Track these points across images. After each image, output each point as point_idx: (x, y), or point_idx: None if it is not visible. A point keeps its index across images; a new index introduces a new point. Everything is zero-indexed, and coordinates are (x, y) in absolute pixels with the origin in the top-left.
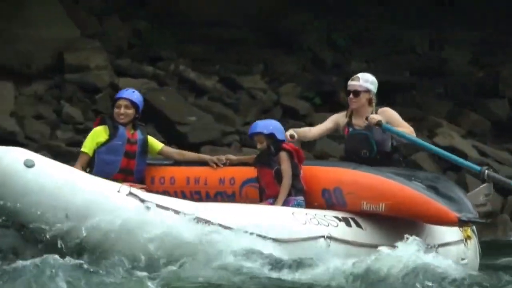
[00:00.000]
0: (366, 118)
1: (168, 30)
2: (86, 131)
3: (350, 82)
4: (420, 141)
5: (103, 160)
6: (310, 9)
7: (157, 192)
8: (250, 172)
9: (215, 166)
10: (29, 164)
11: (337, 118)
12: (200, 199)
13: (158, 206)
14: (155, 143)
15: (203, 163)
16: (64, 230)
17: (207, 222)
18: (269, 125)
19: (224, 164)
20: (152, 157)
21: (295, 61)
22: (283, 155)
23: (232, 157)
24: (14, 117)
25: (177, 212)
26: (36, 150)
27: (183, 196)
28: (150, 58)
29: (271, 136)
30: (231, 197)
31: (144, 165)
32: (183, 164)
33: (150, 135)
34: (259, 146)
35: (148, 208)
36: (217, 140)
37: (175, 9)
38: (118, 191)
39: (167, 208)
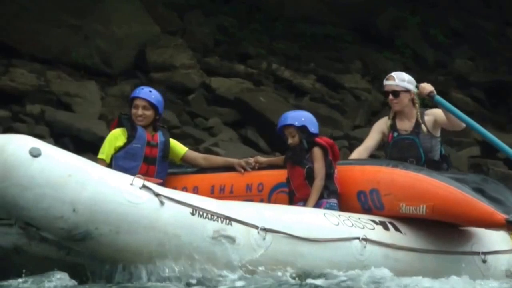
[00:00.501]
0: (417, 86)
1: (257, 26)
2: (182, 136)
3: (386, 82)
4: (474, 123)
5: (120, 167)
6: (407, 3)
7: None
8: (281, 175)
9: (242, 171)
10: (35, 153)
11: (380, 126)
12: None
13: (173, 201)
14: (178, 147)
15: (230, 168)
16: (71, 225)
17: (226, 219)
18: (300, 117)
19: (253, 168)
20: (176, 164)
21: (395, 59)
22: (317, 152)
23: (262, 159)
24: (104, 120)
25: (194, 208)
26: None
27: None
28: (239, 56)
29: (303, 129)
30: None
31: (166, 172)
32: (208, 171)
33: (251, 139)
34: (290, 140)
35: (162, 203)
36: None
37: (265, 4)
38: (131, 184)
39: (183, 203)
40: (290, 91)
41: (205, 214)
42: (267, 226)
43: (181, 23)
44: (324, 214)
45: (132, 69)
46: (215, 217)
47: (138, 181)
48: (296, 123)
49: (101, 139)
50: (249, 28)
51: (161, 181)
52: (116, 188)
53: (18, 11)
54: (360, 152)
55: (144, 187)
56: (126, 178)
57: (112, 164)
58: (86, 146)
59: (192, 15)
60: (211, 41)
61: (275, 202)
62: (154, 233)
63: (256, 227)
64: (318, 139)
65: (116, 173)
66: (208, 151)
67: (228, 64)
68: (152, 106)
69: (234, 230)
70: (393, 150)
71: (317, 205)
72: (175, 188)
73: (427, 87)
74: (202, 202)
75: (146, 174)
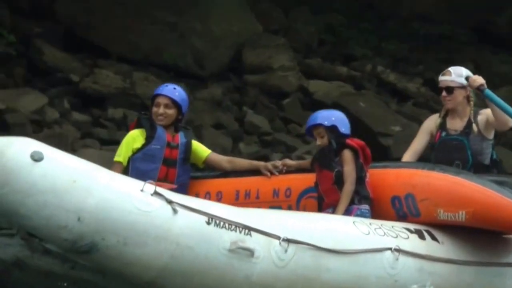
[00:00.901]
0: (467, 78)
1: (367, 25)
2: (273, 143)
3: (441, 78)
4: None
5: (138, 169)
6: None
7: None
8: (310, 179)
9: (269, 174)
10: (36, 158)
11: (429, 125)
12: None
13: (187, 208)
14: (201, 149)
15: (256, 171)
16: (76, 236)
17: (245, 228)
18: (330, 116)
19: (280, 172)
20: (199, 168)
21: (510, 62)
22: (347, 154)
23: (290, 162)
24: (190, 125)
25: (210, 216)
26: None
27: None
28: (344, 57)
29: (333, 129)
30: None
31: (187, 176)
32: (232, 175)
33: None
34: (318, 141)
35: (175, 211)
36: None
37: (378, 2)
38: (142, 190)
39: (198, 211)
40: (393, 95)
41: (222, 223)
42: (289, 236)
43: (285, 21)
44: (353, 222)
45: (225, 71)
46: (233, 227)
47: (149, 187)
48: (326, 123)
49: None
50: (357, 27)
51: (175, 186)
52: (125, 195)
53: (108, 8)
54: (407, 158)
55: (155, 193)
56: (136, 183)
57: (129, 166)
58: None
59: (298, 12)
60: (315, 40)
61: (304, 208)
62: (165, 244)
63: (277, 237)
64: (348, 141)
65: (125, 178)
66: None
67: (330, 66)
68: (175, 104)
69: (254, 241)
70: (439, 151)
71: (347, 211)
72: (197, 193)
73: (478, 79)
74: (219, 210)
75: (165, 177)
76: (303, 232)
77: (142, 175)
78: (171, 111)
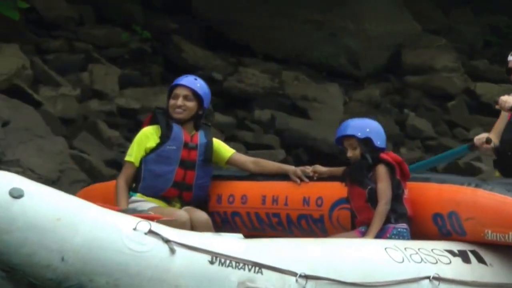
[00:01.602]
0: (496, 102)
1: None
2: (438, 148)
3: (510, 58)
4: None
5: (152, 172)
6: None
7: (225, 214)
8: (343, 189)
9: (298, 181)
10: (16, 195)
11: None
12: (279, 223)
13: (187, 247)
14: (223, 149)
15: (285, 176)
16: (61, 276)
17: (256, 266)
18: (365, 126)
19: (311, 178)
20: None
21: None
22: (381, 170)
23: (321, 168)
24: None
25: (214, 255)
26: None
27: (258, 219)
28: None
29: (367, 142)
30: (318, 222)
31: (208, 178)
32: (259, 178)
33: None
34: (349, 153)
35: (173, 250)
36: None
37: None
38: (135, 229)
39: (200, 250)
40: None
41: (228, 262)
42: (308, 272)
43: (446, 21)
44: (385, 248)
45: (383, 72)
46: (241, 264)
47: (144, 225)
48: (359, 134)
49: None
50: None
51: (173, 218)
52: (115, 234)
53: (254, 5)
54: (493, 138)
55: (150, 232)
56: (129, 221)
57: (141, 168)
58: (322, 158)
59: (459, 13)
60: (480, 42)
61: (337, 219)
62: (162, 287)
63: (293, 274)
64: (383, 155)
65: (116, 216)
66: (468, 166)
67: (498, 68)
68: (196, 96)
69: (265, 279)
70: (505, 132)
71: (382, 231)
72: (220, 195)
73: (509, 100)
74: (225, 246)
75: (183, 180)
76: (325, 265)
77: (156, 178)
78: (191, 104)
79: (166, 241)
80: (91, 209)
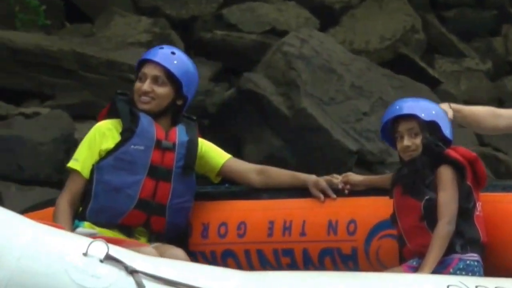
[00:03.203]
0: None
1: None
2: None
3: None
4: None
5: (107, 184)
6: None
7: (213, 255)
8: (387, 207)
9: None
10: None
11: None
12: (292, 265)
13: (161, 280)
14: (214, 154)
15: (302, 190)
16: None
17: None
18: (430, 107)
19: (341, 191)
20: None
21: None
22: (446, 173)
23: (355, 177)
24: None
25: None
26: None
27: (261, 259)
28: None
29: (433, 128)
30: (349, 260)
31: (190, 196)
32: (264, 195)
33: None
34: (407, 142)
35: (140, 285)
36: None
37: None
38: (85, 254)
39: (178, 285)
40: None
41: None
42: None
43: None
44: (448, 286)
45: None
46: None
47: (98, 247)
48: (423, 116)
49: None
50: None
51: (147, 245)
52: (57, 262)
53: None
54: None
55: (109, 258)
56: (77, 242)
57: (93, 179)
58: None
59: None
60: None
61: (377, 253)
62: None
63: None
64: (450, 151)
65: (59, 235)
66: None
67: None
68: (171, 78)
69: None
70: None
71: (442, 265)
72: (206, 224)
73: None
74: (214, 279)
75: (152, 198)
76: None
77: (112, 195)
78: (163, 90)
79: (132, 271)
80: (23, 227)
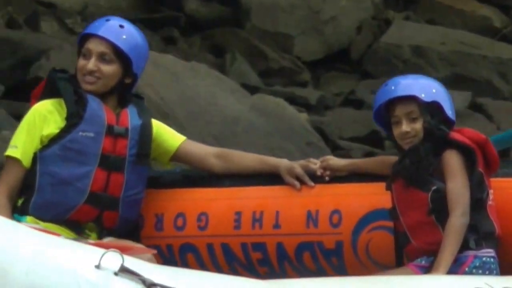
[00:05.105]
0: None
1: None
2: None
3: None
4: None
5: (53, 176)
6: None
7: (169, 249)
8: (376, 195)
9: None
10: None
11: None
12: (264, 261)
13: None
14: (167, 136)
15: (274, 177)
16: None
17: None
18: (430, 86)
19: (320, 178)
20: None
21: None
22: (453, 159)
23: (336, 161)
24: None
25: None
26: None
27: (227, 254)
28: None
29: (434, 109)
30: (333, 255)
31: (142, 186)
32: (227, 181)
33: None
34: (405, 127)
35: None
36: None
37: None
38: (97, 266)
39: None
40: None
41: None
42: None
43: None
44: None
45: None
46: None
47: (112, 258)
48: (423, 96)
49: None
50: None
51: (155, 251)
52: (69, 275)
53: None
54: None
55: (123, 271)
56: (88, 253)
57: (35, 170)
58: None
59: None
60: None
61: (366, 248)
62: None
63: None
64: (455, 134)
65: (69, 244)
66: None
67: None
68: (119, 55)
69: None
70: None
71: (457, 264)
72: (160, 215)
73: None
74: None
75: (104, 190)
76: None
77: (60, 188)
78: (111, 69)
79: (150, 285)
80: (28, 238)
